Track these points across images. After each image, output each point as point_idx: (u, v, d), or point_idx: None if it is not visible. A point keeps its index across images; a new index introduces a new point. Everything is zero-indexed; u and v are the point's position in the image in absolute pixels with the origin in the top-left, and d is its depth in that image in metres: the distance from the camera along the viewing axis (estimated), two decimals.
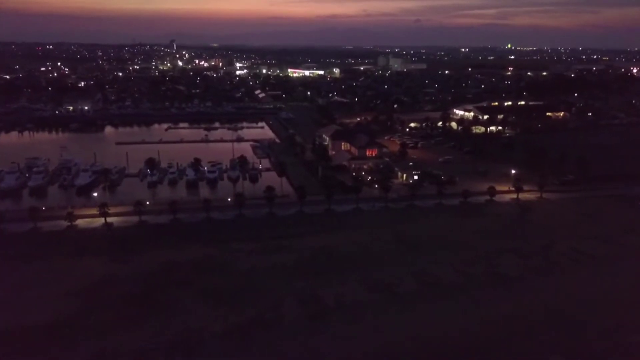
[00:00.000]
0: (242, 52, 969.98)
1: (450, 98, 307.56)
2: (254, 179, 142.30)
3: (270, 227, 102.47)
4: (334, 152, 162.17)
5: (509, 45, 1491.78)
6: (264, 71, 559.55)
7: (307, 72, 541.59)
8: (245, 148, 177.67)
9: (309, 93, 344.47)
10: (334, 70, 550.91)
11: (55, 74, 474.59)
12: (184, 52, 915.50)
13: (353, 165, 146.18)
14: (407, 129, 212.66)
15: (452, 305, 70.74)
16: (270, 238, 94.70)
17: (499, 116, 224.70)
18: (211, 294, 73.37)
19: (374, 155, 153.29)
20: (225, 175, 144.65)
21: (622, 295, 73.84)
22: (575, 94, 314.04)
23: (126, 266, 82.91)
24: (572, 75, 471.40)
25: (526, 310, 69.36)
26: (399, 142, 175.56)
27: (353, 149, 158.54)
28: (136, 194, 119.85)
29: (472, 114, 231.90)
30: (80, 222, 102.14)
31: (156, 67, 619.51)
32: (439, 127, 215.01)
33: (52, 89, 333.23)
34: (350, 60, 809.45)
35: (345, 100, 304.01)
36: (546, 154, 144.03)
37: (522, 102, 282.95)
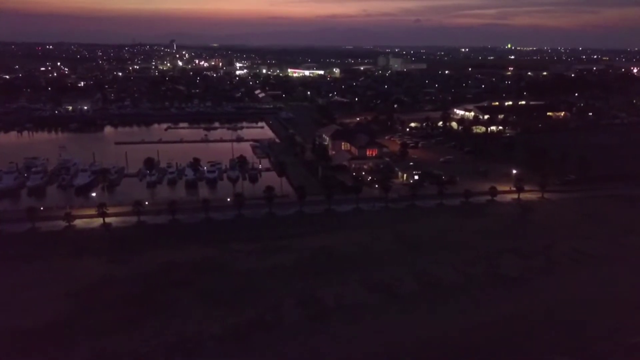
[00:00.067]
0: (242, 52, 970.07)
1: (450, 98, 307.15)
2: (253, 179, 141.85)
3: (270, 227, 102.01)
4: (334, 152, 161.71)
5: (509, 45, 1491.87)
6: (264, 71, 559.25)
7: (307, 72, 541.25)
8: (245, 148, 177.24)
9: (309, 93, 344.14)
10: (334, 70, 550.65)
11: (55, 74, 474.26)
12: (184, 52, 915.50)
13: (353, 165, 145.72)
14: (408, 129, 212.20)
15: (453, 306, 70.34)
16: (269, 238, 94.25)
17: (499, 116, 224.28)
18: (210, 294, 72.95)
19: (374, 155, 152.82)
20: (224, 175, 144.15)
21: (623, 295, 73.41)
22: (576, 94, 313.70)
23: (125, 267, 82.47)
24: (573, 75, 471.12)
25: (527, 311, 68.98)
26: (399, 142, 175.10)
27: (353, 149, 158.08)
28: (135, 194, 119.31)
29: (472, 113, 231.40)
30: (78, 223, 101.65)
31: (156, 67, 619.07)
32: (440, 127, 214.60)
33: (52, 89, 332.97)
34: (350, 60, 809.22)
35: (345, 100, 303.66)
36: (547, 154, 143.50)
37: (523, 102, 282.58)
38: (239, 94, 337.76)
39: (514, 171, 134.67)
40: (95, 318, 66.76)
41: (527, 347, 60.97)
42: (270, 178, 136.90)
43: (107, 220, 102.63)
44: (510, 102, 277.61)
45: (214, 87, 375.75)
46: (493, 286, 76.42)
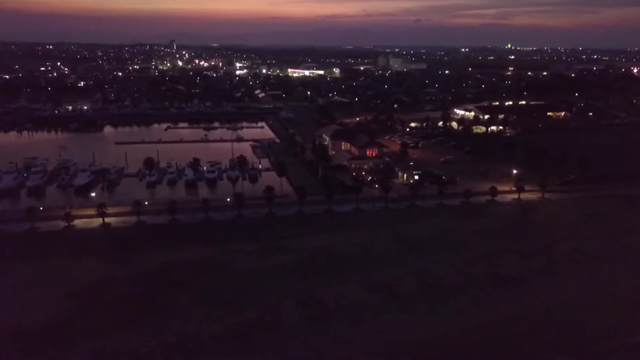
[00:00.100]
0: (242, 52, 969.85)
1: (450, 98, 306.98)
2: (253, 179, 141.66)
3: (270, 227, 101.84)
4: (334, 152, 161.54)
5: (509, 45, 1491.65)
6: (264, 71, 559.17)
7: (307, 72, 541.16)
8: (245, 148, 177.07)
9: (309, 93, 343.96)
10: (334, 70, 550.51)
11: (55, 74, 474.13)
12: (184, 52, 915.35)
13: (353, 165, 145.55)
14: (408, 129, 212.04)
15: (453, 306, 70.20)
16: (269, 238, 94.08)
17: (499, 116, 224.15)
18: (210, 294, 72.78)
19: (374, 155, 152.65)
20: (224, 175, 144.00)
21: (623, 295, 73.26)
22: (576, 94, 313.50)
23: (124, 267, 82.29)
24: (573, 75, 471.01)
25: (527, 311, 68.85)
26: (399, 142, 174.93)
27: (353, 149, 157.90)
28: (135, 194, 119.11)
29: (472, 113, 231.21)
30: (78, 223, 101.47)
31: (156, 67, 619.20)
32: (440, 126, 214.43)
33: (52, 89, 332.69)
34: (350, 60, 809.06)
35: (345, 100, 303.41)
36: (547, 154, 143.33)
37: (523, 102, 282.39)
38: (239, 94, 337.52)
39: (514, 171, 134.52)
40: (95, 318, 66.61)
41: (527, 347, 60.82)
42: (270, 178, 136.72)
43: (107, 220, 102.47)
44: (511, 102, 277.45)
45: (214, 87, 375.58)
46: (493, 286, 76.27)
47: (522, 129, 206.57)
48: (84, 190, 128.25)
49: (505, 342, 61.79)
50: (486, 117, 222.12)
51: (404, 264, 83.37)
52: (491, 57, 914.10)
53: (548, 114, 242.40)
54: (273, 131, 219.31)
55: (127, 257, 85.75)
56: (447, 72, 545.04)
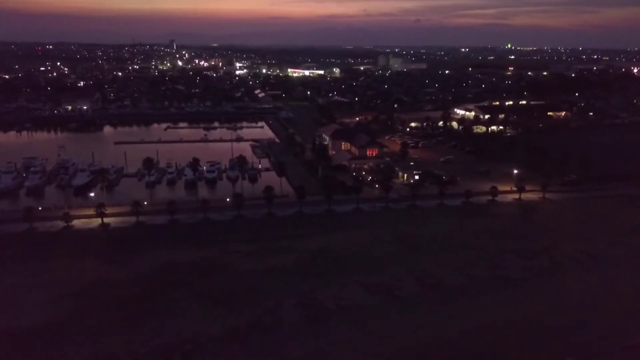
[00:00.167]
0: (242, 52, 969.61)
1: (450, 98, 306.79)
2: (253, 179, 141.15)
3: (270, 227, 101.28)
4: (334, 152, 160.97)
5: (509, 45, 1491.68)
6: (264, 71, 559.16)
7: (307, 72, 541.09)
8: (245, 148, 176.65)
9: (308, 93, 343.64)
10: (334, 70, 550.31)
11: (55, 74, 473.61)
12: (183, 52, 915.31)
13: (353, 165, 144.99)
14: (408, 129, 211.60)
15: (454, 307, 69.58)
16: (269, 239, 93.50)
17: (500, 116, 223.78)
18: (209, 296, 72.21)
19: (374, 155, 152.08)
20: (224, 175, 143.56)
21: (626, 296, 72.60)
22: (576, 94, 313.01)
23: (123, 267, 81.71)
24: (573, 75, 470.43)
25: (529, 312, 68.21)
26: (399, 142, 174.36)
27: (353, 149, 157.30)
28: (134, 194, 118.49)
29: (473, 113, 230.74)
30: (76, 223, 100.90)
31: (156, 67, 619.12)
32: (440, 126, 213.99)
33: (51, 89, 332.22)
34: (350, 60, 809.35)
35: (345, 100, 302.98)
36: (548, 154, 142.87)
37: (524, 102, 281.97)
38: (238, 94, 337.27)
39: (515, 171, 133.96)
40: (94, 319, 66.10)
41: (530, 350, 60.18)
42: (269, 178, 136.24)
43: (106, 220, 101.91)
44: (511, 102, 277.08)
45: (213, 87, 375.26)
46: (494, 287, 75.66)
47: (523, 129, 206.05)
48: (83, 190, 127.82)
49: (507, 343, 61.11)
50: (486, 117, 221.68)
51: (404, 264, 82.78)
52: (491, 57, 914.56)
53: (548, 113, 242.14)
54: (273, 131, 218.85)
55: (126, 258, 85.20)
56: (447, 72, 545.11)
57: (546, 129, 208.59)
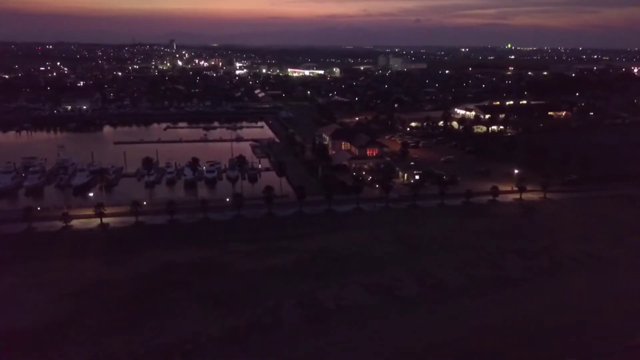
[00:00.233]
0: (242, 52, 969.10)
1: (451, 97, 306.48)
2: (253, 179, 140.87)
3: (269, 227, 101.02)
4: (334, 152, 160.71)
5: (509, 45, 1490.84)
6: (264, 71, 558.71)
7: (307, 72, 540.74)
8: (245, 148, 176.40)
9: (308, 92, 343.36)
10: (334, 69, 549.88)
11: (55, 74, 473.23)
12: (183, 52, 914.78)
13: (353, 165, 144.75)
14: (408, 129, 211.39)
15: (455, 308, 69.36)
16: (269, 239, 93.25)
17: (500, 115, 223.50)
18: (209, 296, 71.98)
19: (374, 154, 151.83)
20: (224, 175, 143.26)
21: (627, 297, 72.38)
22: (577, 94, 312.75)
23: (122, 268, 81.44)
24: (573, 74, 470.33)
25: (530, 312, 68.01)
26: (399, 142, 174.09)
27: (353, 149, 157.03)
28: (133, 194, 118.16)
29: (473, 113, 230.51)
30: (75, 223, 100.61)
31: (156, 66, 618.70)
32: (440, 126, 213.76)
33: (51, 89, 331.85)
34: (350, 60, 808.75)
35: (345, 100, 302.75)
36: (548, 154, 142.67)
37: (524, 102, 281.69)
38: (238, 94, 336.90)
39: (516, 171, 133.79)
40: (93, 319, 65.88)
41: (531, 350, 59.97)
42: (269, 178, 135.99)
43: (105, 220, 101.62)
44: (511, 102, 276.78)
45: (213, 86, 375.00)
46: (495, 288, 75.43)
47: (523, 129, 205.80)
48: (82, 190, 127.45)
49: (507, 343, 60.90)
50: (487, 116, 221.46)
51: (404, 264, 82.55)
52: (491, 57, 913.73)
53: (549, 113, 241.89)
54: (273, 131, 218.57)
55: (125, 258, 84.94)
56: (447, 71, 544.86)
57: (546, 129, 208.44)
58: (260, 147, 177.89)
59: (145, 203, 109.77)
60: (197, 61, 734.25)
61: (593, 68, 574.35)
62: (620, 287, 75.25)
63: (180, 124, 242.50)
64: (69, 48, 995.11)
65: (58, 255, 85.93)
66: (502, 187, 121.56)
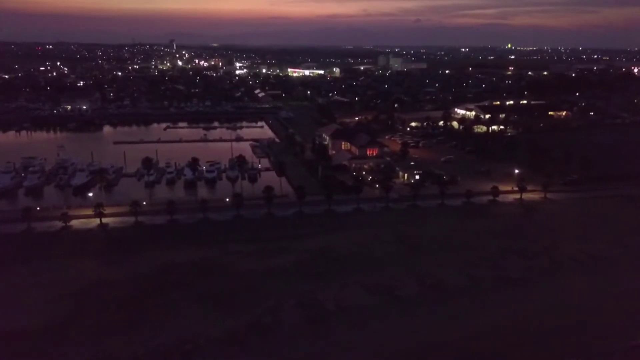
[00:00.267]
0: (242, 52, 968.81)
1: (451, 97, 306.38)
2: (253, 179, 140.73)
3: (269, 228, 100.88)
4: (334, 152, 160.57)
5: (509, 45, 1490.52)
6: (264, 71, 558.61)
7: (307, 72, 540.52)
8: (245, 147, 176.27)
9: (308, 92, 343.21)
10: (334, 69, 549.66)
11: (55, 74, 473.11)
12: (183, 52, 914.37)
13: (353, 165, 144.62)
14: (408, 129, 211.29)
15: (455, 308, 69.21)
16: (269, 239, 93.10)
17: (500, 115, 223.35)
18: (209, 296, 71.83)
19: (374, 154, 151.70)
20: (224, 175, 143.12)
21: (627, 297, 72.22)
22: (577, 94, 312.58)
23: (122, 268, 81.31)
24: (573, 74, 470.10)
25: (530, 313, 67.88)
26: (400, 142, 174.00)
27: (353, 149, 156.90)
28: (133, 194, 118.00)
29: (473, 113, 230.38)
30: (75, 223, 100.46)
31: (156, 66, 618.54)
32: (440, 126, 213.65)
33: (51, 89, 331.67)
34: (350, 60, 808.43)
35: (345, 100, 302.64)
36: (549, 154, 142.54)
37: (524, 102, 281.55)
38: (238, 94, 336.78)
39: (516, 171, 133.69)
40: (93, 320, 65.74)
41: (529, 349, 59.85)
42: (269, 178, 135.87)
43: (105, 220, 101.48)
44: (512, 102, 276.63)
45: (213, 86, 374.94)
46: (495, 288, 75.30)
47: (524, 129, 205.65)
48: (81, 190, 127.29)
49: (507, 343, 60.78)
50: (487, 116, 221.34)
51: (404, 264, 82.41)
52: (491, 57, 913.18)
53: (549, 113, 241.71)
54: (273, 131, 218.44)
55: (124, 258, 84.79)
56: (447, 71, 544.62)
57: (547, 129, 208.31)
58: (260, 147, 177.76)
59: (145, 203, 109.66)
60: (197, 61, 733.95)
61: (593, 68, 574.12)
62: (621, 287, 75.13)
63: (180, 124, 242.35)
64: (69, 48, 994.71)
65: (57, 255, 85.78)
66: (502, 187, 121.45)
